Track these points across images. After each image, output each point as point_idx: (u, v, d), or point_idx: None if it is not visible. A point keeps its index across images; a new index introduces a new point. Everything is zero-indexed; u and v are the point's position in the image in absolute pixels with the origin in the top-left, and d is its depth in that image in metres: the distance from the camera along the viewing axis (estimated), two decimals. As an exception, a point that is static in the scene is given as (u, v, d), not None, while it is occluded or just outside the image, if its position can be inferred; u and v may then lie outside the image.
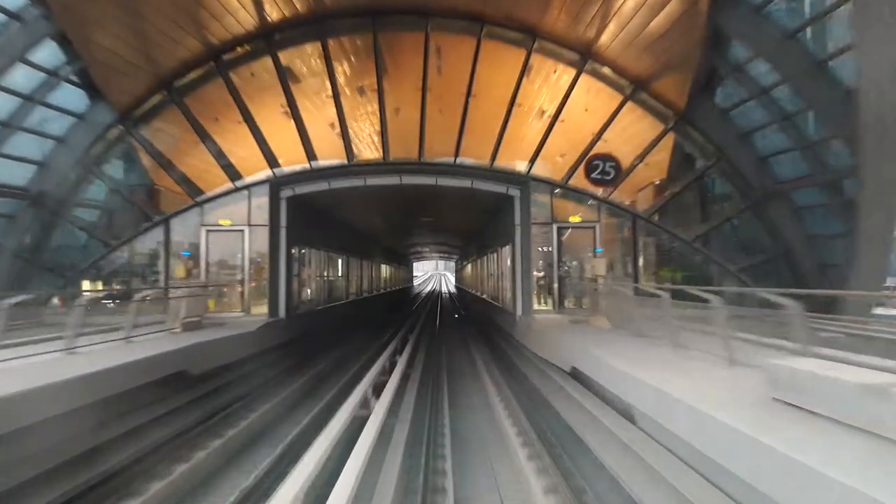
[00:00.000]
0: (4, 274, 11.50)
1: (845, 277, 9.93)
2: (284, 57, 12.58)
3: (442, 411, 9.13)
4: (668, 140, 13.00)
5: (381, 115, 13.08)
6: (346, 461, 5.15)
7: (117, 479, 5.73)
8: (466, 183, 13.88)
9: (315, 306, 17.37)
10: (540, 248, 13.59)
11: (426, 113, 12.98)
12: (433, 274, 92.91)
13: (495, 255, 19.59)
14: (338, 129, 13.19)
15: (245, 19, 11.65)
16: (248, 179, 13.55)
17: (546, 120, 13.15)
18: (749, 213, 12.35)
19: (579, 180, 13.34)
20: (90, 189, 13.34)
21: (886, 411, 3.51)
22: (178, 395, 7.96)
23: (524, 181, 13.59)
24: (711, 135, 12.31)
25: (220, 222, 13.35)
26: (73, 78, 11.43)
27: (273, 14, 11.75)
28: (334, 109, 12.92)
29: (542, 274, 13.62)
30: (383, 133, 13.35)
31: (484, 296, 24.51)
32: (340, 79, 12.82)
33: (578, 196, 13.56)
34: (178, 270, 12.69)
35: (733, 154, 12.06)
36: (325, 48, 12.33)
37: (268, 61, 12.51)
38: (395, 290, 42.69)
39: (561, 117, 12.97)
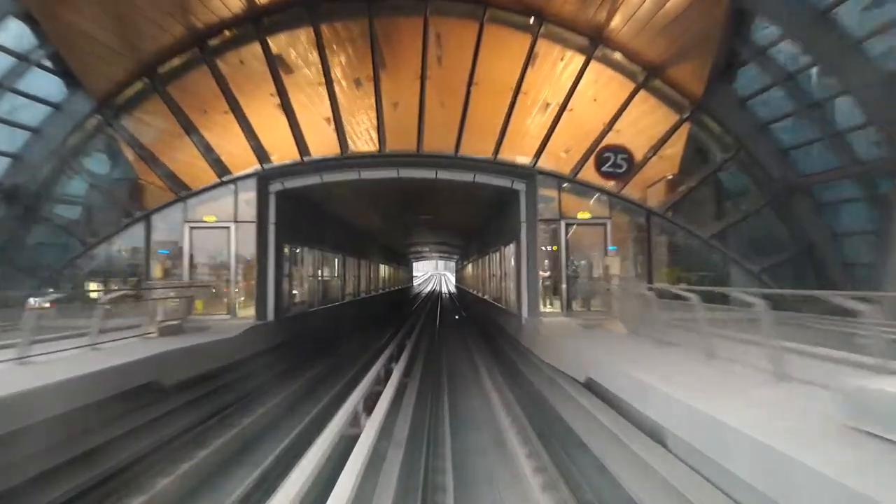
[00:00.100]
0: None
1: (874, 277, 9.27)
2: (275, 43, 11.84)
3: (443, 445, 7.75)
4: (683, 131, 12.25)
5: (377, 105, 12.28)
6: (328, 497, 4.35)
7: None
8: (468, 176, 13.06)
9: (307, 308, 16.52)
10: (546, 247, 12.75)
11: (425, 103, 12.18)
12: (433, 274, 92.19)
13: (498, 253, 18.74)
14: (332, 123, 12.41)
15: (231, 0, 10.88)
16: (235, 174, 12.72)
17: (553, 110, 12.32)
18: (769, 210, 11.67)
19: (589, 174, 12.51)
20: (70, 184, 12.59)
21: None
22: (143, 411, 7.10)
23: (530, 174, 12.75)
24: (730, 125, 11.64)
25: (205, 219, 12.50)
26: (47, 63, 10.65)
27: (260, -6, 11.00)
28: (328, 101, 12.13)
29: (548, 274, 12.78)
30: (380, 124, 12.53)
31: (486, 297, 23.66)
32: (335, 68, 12.06)
33: (587, 191, 12.66)
34: (156, 270, 11.84)
35: (753, 145, 11.42)
36: (318, 35, 11.59)
37: (256, 48, 11.75)
38: (394, 290, 41.93)
39: (569, 107, 12.15)
